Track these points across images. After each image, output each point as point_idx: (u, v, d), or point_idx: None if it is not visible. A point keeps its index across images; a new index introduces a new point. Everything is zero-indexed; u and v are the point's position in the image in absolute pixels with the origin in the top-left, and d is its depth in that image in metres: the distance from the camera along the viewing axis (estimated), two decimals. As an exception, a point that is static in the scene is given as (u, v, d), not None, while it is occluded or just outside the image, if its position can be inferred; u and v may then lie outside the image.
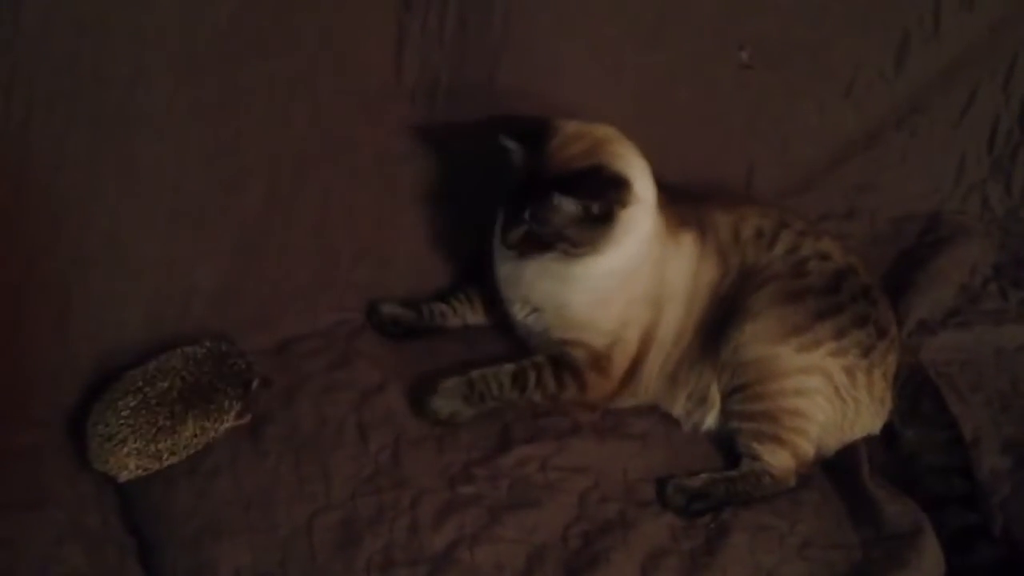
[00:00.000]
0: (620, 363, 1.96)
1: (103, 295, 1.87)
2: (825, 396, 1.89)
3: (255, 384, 1.86)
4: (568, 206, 1.83)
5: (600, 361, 1.95)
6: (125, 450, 1.73)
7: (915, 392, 1.99)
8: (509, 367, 1.94)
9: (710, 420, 1.96)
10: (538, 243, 1.86)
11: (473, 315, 2.13)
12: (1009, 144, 2.46)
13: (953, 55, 2.35)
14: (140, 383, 1.77)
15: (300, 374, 1.96)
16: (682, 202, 1.99)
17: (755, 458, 1.89)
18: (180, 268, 1.92)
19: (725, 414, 1.94)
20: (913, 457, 1.94)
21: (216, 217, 1.93)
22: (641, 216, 1.88)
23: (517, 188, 1.87)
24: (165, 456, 1.76)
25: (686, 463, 1.92)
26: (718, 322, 1.94)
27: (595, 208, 1.83)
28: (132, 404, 1.75)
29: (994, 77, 2.40)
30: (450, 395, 1.90)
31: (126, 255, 1.87)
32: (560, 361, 1.95)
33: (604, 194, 1.83)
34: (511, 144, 1.90)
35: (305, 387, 1.94)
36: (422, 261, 2.15)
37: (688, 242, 1.96)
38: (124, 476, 1.76)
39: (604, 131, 1.92)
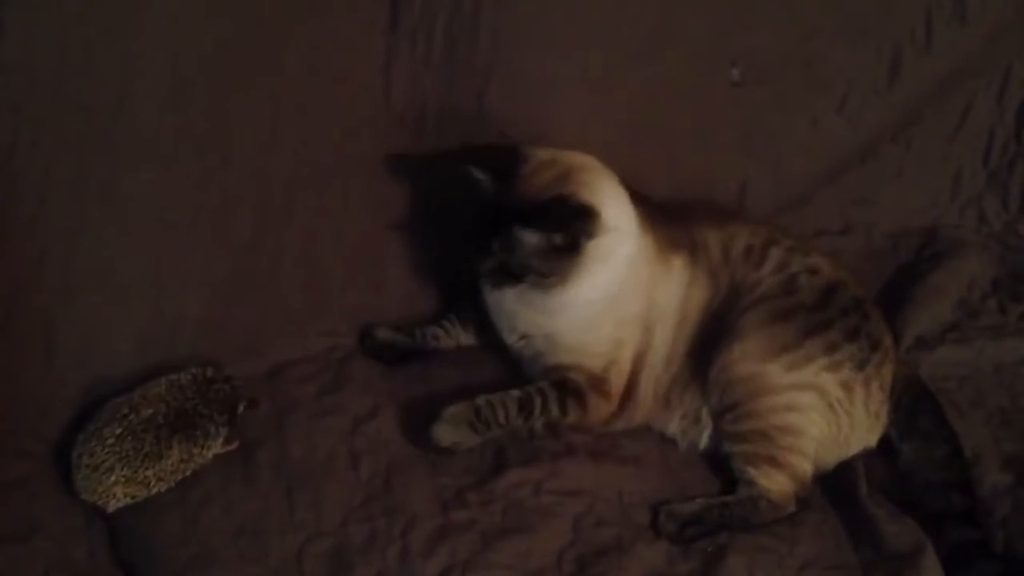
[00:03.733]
0: (617, 384, 1.94)
1: (91, 324, 1.86)
2: (819, 411, 1.87)
3: (241, 407, 1.84)
4: (530, 237, 1.82)
5: (600, 383, 1.93)
6: (112, 479, 1.72)
7: (912, 405, 1.96)
8: (515, 393, 1.90)
9: (704, 440, 1.94)
10: (509, 273, 1.85)
11: (466, 336, 2.11)
12: (1005, 157, 2.43)
13: (947, 68, 2.33)
14: (125, 411, 1.76)
15: (291, 399, 1.95)
16: (675, 223, 1.98)
17: (751, 483, 1.86)
18: (169, 295, 1.91)
19: (718, 436, 1.91)
20: (911, 474, 1.91)
21: (205, 243, 1.93)
22: (614, 245, 1.86)
23: (486, 218, 1.86)
24: (152, 483, 1.75)
25: (683, 485, 1.90)
26: (707, 342, 1.92)
27: (557, 239, 1.82)
28: (117, 432, 1.74)
29: (988, 89, 2.38)
30: (455, 422, 1.85)
31: (113, 283, 1.86)
32: (563, 386, 1.92)
33: (567, 225, 1.81)
34: (480, 174, 1.89)
35: (296, 413, 1.92)
36: (413, 284, 2.14)
37: (679, 266, 1.95)
38: (112, 505, 1.74)
39: (577, 159, 1.90)
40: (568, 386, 1.92)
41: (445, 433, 1.85)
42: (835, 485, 1.91)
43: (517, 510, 1.80)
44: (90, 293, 1.85)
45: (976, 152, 2.44)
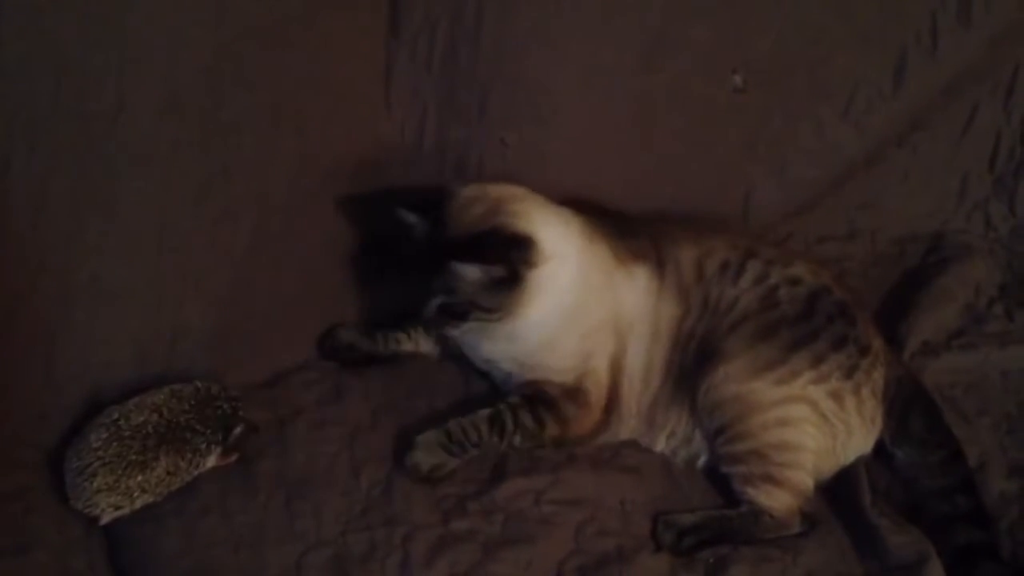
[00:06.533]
0: (596, 392, 1.92)
1: (90, 335, 1.85)
2: (812, 423, 1.84)
3: (238, 430, 1.81)
4: (470, 273, 1.80)
5: (574, 394, 1.91)
6: (95, 485, 1.70)
7: (903, 409, 1.93)
8: (484, 412, 1.87)
9: (702, 461, 1.92)
10: (454, 314, 1.84)
11: (426, 344, 2.09)
12: (1012, 162, 2.41)
13: (952, 72, 2.31)
14: (115, 416, 1.75)
15: (292, 408, 1.94)
16: (639, 236, 1.96)
17: (751, 503, 1.83)
18: (168, 305, 1.90)
19: (714, 459, 1.89)
20: (912, 481, 1.90)
21: (204, 252, 1.91)
22: (557, 271, 1.85)
23: (423, 261, 1.85)
24: (136, 494, 1.72)
25: (685, 495, 1.88)
26: (691, 363, 1.90)
27: (497, 272, 1.80)
28: (103, 436, 1.72)
29: (995, 94, 2.36)
30: (430, 447, 1.83)
31: (112, 293, 1.84)
32: (535, 399, 1.90)
33: (506, 256, 1.80)
34: (410, 217, 1.88)
35: (297, 422, 1.91)
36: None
37: (643, 275, 1.93)
38: (98, 512, 1.72)
39: (504, 190, 1.89)
40: (540, 398, 1.90)
41: (423, 459, 1.82)
42: (839, 495, 1.89)
43: (518, 520, 1.79)
44: (88, 303, 1.83)
45: (982, 157, 2.42)
